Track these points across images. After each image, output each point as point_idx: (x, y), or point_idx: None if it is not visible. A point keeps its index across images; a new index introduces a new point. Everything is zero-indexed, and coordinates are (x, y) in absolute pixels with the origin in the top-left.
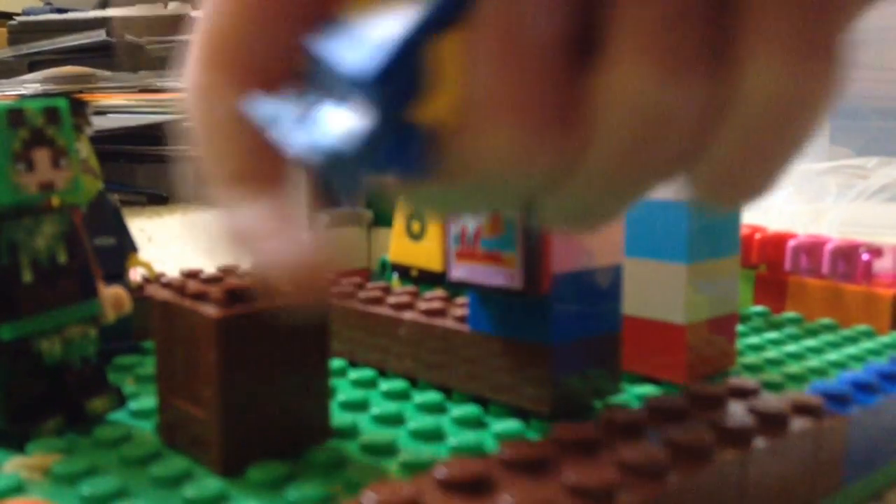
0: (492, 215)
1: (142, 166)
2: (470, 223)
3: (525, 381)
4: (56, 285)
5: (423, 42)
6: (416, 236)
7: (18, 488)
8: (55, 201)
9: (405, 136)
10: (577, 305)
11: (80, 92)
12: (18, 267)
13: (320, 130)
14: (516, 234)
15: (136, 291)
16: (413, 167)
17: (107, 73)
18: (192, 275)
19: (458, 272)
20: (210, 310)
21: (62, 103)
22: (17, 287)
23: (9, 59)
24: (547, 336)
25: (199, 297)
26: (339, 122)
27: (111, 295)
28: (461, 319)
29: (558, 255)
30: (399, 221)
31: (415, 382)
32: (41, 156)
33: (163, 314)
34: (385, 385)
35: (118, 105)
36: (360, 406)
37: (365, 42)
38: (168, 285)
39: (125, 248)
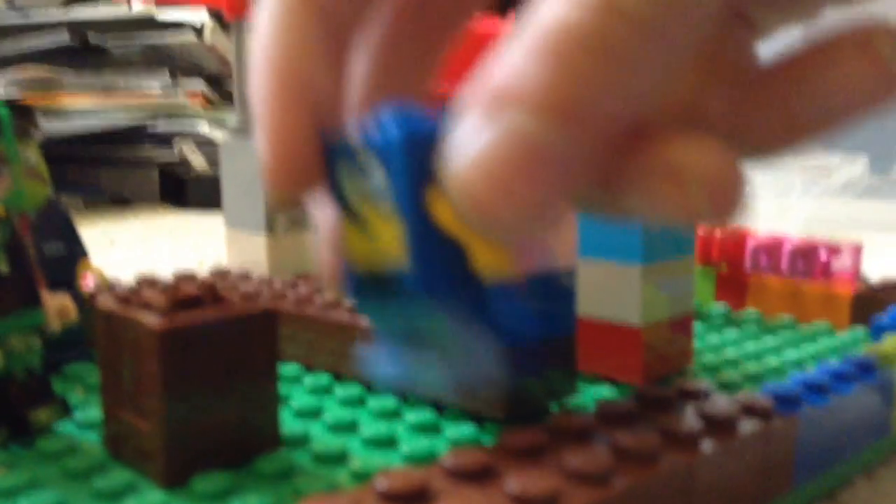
0: None
1: (105, 169)
2: None
3: (479, 384)
4: None
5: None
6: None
7: None
8: None
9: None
10: (530, 308)
11: (44, 95)
12: None
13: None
14: None
15: (89, 299)
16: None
17: (70, 76)
18: (147, 281)
19: None
20: (152, 320)
21: (3, 111)
22: None
23: None
24: (500, 339)
25: (143, 306)
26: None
27: (56, 304)
28: None
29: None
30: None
31: (370, 387)
32: None
33: (106, 324)
34: (340, 391)
35: (81, 108)
36: (313, 413)
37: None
38: (114, 294)
39: (75, 254)
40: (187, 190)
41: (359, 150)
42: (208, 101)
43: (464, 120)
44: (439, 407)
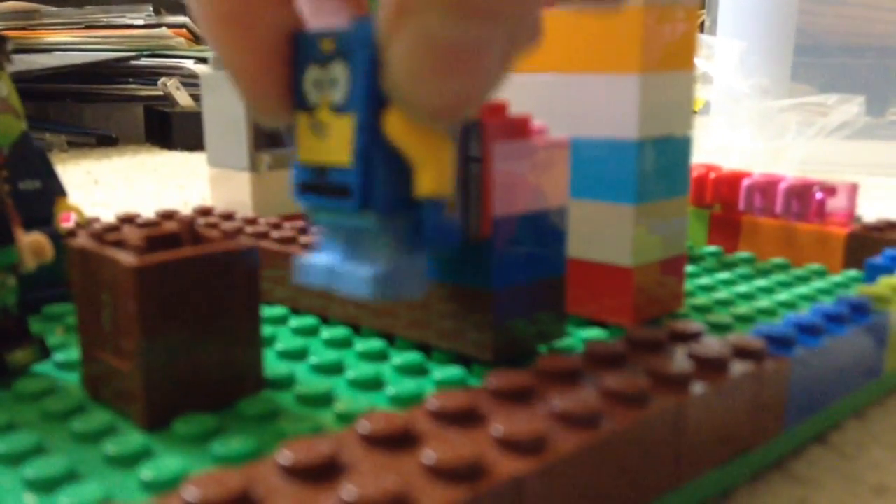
0: None
1: (90, 106)
2: None
3: (467, 326)
4: None
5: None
6: None
7: None
8: None
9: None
10: (519, 249)
11: (25, 28)
12: None
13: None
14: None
15: (67, 237)
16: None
17: (51, 9)
18: (128, 219)
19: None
20: (128, 258)
21: None
22: None
23: None
24: (489, 281)
25: (119, 244)
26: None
27: (31, 242)
28: None
29: (500, 198)
30: None
31: (358, 329)
32: None
33: (81, 263)
34: (326, 333)
35: (63, 42)
36: (298, 355)
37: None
38: (90, 232)
39: (52, 191)
40: (172, 128)
41: (324, 40)
42: (193, 37)
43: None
44: (426, 349)
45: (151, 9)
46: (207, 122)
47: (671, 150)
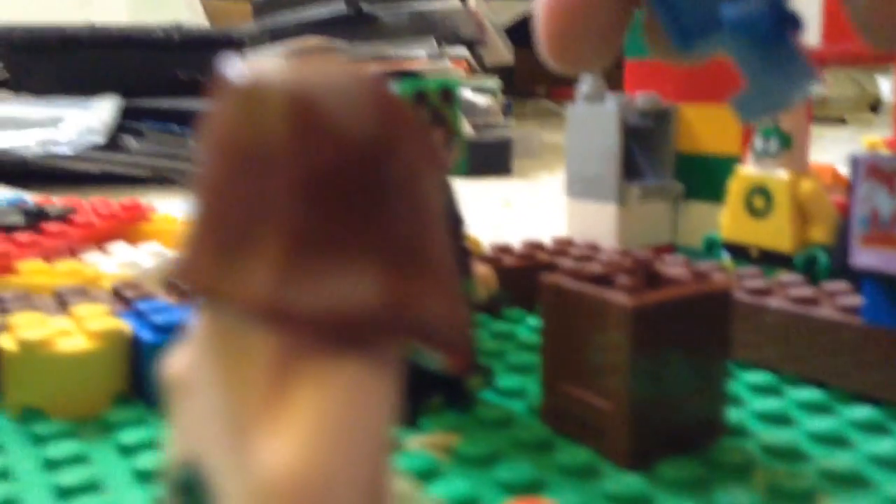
0: None
1: None
2: (886, 205)
3: None
4: None
5: None
6: (758, 212)
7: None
8: None
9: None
10: None
11: None
12: None
13: None
14: None
15: None
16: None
17: (344, 44)
18: (503, 250)
19: (865, 258)
20: (623, 298)
21: (455, 84)
22: None
23: (253, 32)
24: None
25: (597, 280)
26: None
27: (482, 273)
28: (847, 310)
29: None
30: (735, 195)
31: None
32: (437, 136)
33: (557, 299)
34: (751, 378)
35: None
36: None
37: None
38: (564, 270)
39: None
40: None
41: None
42: (470, 68)
43: None
44: (875, 401)
45: (434, 41)
46: (570, 155)
47: None
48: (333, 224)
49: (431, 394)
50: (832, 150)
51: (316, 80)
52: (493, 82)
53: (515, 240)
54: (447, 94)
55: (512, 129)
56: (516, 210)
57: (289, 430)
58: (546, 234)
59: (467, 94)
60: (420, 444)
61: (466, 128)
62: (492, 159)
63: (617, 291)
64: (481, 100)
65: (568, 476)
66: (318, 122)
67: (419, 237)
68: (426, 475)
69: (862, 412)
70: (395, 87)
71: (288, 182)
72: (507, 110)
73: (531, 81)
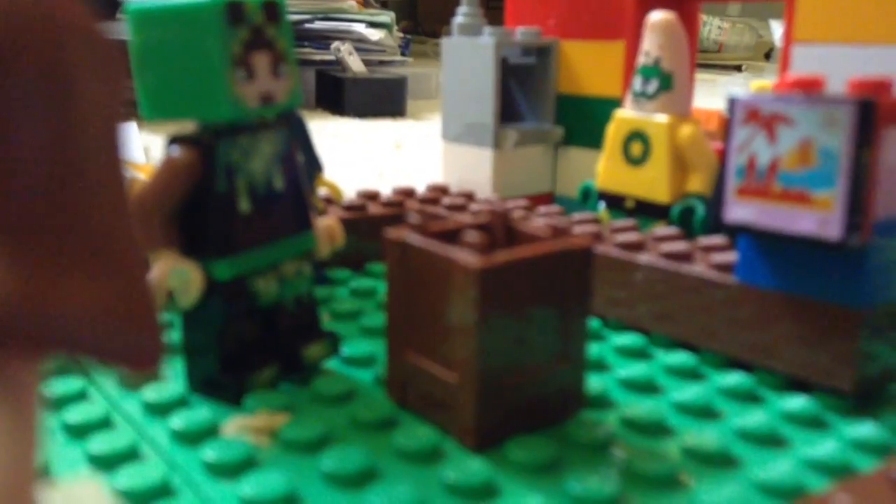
0: (801, 141)
1: None
2: (765, 153)
3: (818, 349)
4: (271, 216)
5: None
6: (635, 160)
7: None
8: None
9: None
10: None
11: None
12: (235, 194)
13: None
14: (837, 166)
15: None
16: None
17: None
18: (369, 197)
19: (739, 212)
20: (468, 258)
21: (280, 1)
22: (234, 218)
23: None
24: (857, 298)
25: (445, 237)
26: None
27: (324, 226)
28: (721, 267)
29: (884, 196)
30: (612, 141)
31: (647, 333)
32: (261, 61)
33: (401, 257)
34: (620, 340)
35: None
36: (601, 368)
37: None
38: (412, 225)
39: (313, 167)
40: (344, 94)
41: None
42: (363, 1)
43: None
44: (738, 365)
45: None
46: (446, 94)
47: None
48: None
49: (262, 365)
50: (725, 95)
51: None
52: (387, 16)
53: (405, 185)
54: (272, 9)
55: (409, 67)
56: (406, 154)
57: None
58: (433, 180)
59: (359, 27)
60: (238, 429)
61: (357, 64)
62: (384, 99)
63: (464, 250)
64: (374, 34)
65: (405, 462)
66: None
67: (64, 199)
68: (237, 468)
69: (732, 379)
70: None
71: None
72: (405, 48)
73: (437, 21)
